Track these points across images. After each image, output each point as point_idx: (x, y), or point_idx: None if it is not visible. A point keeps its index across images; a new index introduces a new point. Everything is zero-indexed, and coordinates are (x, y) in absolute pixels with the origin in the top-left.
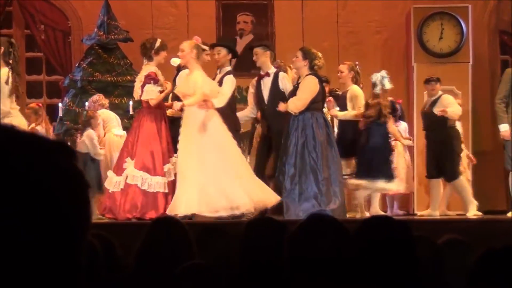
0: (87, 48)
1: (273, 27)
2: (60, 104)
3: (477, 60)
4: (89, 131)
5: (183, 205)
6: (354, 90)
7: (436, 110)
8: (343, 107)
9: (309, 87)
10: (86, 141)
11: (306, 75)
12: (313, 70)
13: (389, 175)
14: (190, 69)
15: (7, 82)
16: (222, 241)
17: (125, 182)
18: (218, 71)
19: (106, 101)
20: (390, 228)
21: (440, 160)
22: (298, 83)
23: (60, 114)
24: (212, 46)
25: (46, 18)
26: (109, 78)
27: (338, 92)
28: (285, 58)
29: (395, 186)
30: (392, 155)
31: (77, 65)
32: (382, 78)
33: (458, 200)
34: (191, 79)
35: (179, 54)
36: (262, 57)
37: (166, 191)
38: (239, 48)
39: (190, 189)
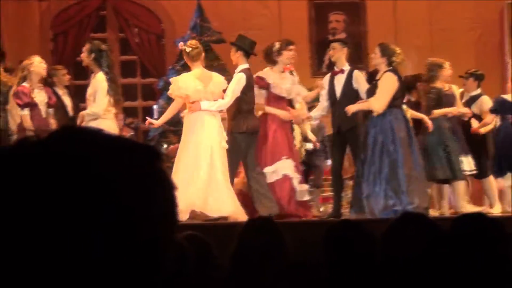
0: (181, 50)
1: (365, 26)
2: (155, 107)
3: None
4: None
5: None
6: (456, 88)
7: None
8: (452, 106)
9: (389, 85)
10: None
11: (384, 71)
12: (391, 67)
13: None
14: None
15: (108, 89)
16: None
17: None
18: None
19: None
20: (483, 225)
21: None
22: (376, 80)
23: (156, 116)
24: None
25: (139, 22)
26: None
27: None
28: None
29: None
30: None
31: (170, 67)
32: None
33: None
34: (177, 80)
35: None
36: (338, 53)
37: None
38: None
39: None
